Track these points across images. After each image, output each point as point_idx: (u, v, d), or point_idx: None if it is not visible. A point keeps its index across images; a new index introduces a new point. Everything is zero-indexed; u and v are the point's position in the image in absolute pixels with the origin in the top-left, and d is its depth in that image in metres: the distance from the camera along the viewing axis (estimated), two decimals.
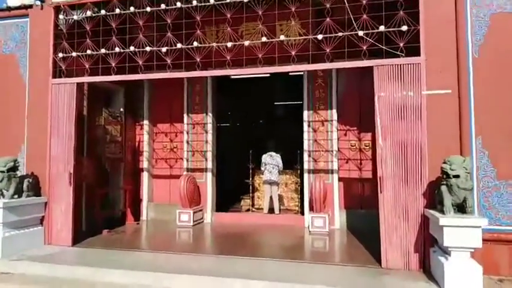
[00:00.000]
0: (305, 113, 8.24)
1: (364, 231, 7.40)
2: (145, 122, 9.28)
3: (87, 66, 6.58)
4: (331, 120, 8.07)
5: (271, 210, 8.97)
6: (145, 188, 9.18)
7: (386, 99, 5.22)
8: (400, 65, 5.16)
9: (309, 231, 7.48)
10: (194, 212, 8.23)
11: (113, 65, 6.40)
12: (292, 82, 9.99)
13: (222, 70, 6.15)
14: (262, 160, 9.11)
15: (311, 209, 7.79)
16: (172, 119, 9.38)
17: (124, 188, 8.59)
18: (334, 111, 8.06)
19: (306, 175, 8.23)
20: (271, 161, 8.99)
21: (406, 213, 5.11)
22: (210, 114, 8.92)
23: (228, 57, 6.01)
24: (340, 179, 8.09)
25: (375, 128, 5.34)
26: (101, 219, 7.65)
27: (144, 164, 9.23)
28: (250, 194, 10.01)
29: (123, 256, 5.87)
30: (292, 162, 9.77)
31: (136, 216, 8.92)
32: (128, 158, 8.96)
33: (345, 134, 8.20)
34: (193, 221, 8.16)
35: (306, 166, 8.23)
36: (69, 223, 6.45)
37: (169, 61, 6.17)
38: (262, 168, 9.10)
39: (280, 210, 9.00)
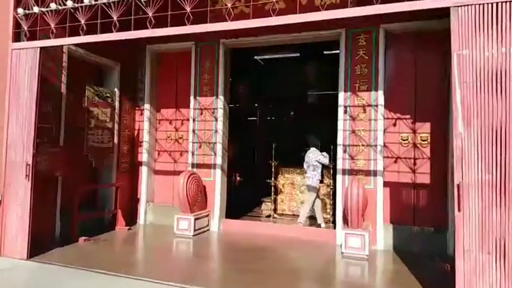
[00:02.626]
0: (341, 96, 6.29)
1: (419, 256, 5.45)
2: (146, 106, 7.71)
3: (52, 26, 5.06)
4: (376, 105, 6.07)
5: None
6: (144, 185, 7.62)
7: (472, 60, 3.22)
8: (498, 2, 3.14)
9: (342, 253, 5.57)
10: (196, 219, 6.55)
11: (82, 22, 4.83)
12: (327, 64, 8.11)
13: (227, 23, 4.34)
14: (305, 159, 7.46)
15: (345, 222, 5.87)
16: (178, 104, 7.76)
17: (115, 186, 7.06)
18: (380, 93, 6.04)
19: (339, 177, 6.30)
20: (308, 159, 7.30)
21: (502, 247, 3.11)
22: (220, 97, 7.18)
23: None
24: (385, 184, 6.08)
25: (449, 109, 3.41)
26: (78, 223, 6.12)
27: (144, 157, 7.67)
28: (272, 197, 8.26)
29: (79, 281, 4.28)
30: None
31: (132, 219, 7.39)
32: (123, 149, 7.44)
33: (394, 124, 6.17)
34: (195, 230, 6.48)
35: (339, 165, 6.30)
36: (26, 229, 4.99)
37: (151, 14, 4.49)
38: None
39: (305, 220, 7.15)
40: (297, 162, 9.03)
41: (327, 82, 10.24)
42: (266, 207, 8.66)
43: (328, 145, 7.65)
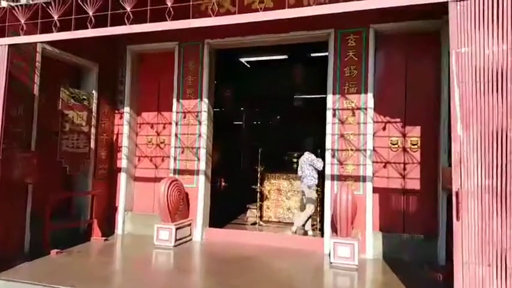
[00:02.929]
0: (329, 98, 6.08)
1: (409, 265, 5.27)
2: (126, 109, 7.34)
3: (22, 21, 4.70)
4: (365, 108, 5.87)
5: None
6: (123, 193, 7.23)
7: (471, 58, 3.02)
8: None
9: (330, 263, 5.32)
10: (177, 228, 6.21)
11: (55, 18, 4.49)
12: (315, 67, 7.90)
13: (211, 18, 4.04)
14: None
15: (334, 230, 5.64)
16: (160, 107, 7.42)
17: (91, 193, 6.66)
18: (370, 95, 5.86)
19: (327, 183, 6.06)
20: (302, 163, 7.20)
21: (504, 259, 2.90)
22: (205, 100, 6.89)
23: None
24: (374, 190, 5.88)
25: (440, 112, 3.20)
26: (51, 234, 5.71)
27: (123, 163, 7.28)
28: (258, 203, 7.99)
29: None
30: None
31: (109, 229, 7.00)
32: (101, 154, 7.05)
33: (384, 128, 5.99)
34: (176, 240, 6.13)
35: (328, 170, 6.07)
36: None
37: (128, 9, 4.18)
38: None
39: (297, 228, 6.94)
40: (283, 168, 8.81)
41: (314, 85, 10.05)
42: (251, 214, 8.38)
43: (316, 150, 7.47)
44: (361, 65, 5.94)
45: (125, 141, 7.29)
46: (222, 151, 12.17)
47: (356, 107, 5.94)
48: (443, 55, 5.54)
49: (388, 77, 6.00)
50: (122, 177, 7.26)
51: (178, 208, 6.37)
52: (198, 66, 6.95)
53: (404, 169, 5.90)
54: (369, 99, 5.86)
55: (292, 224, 7.21)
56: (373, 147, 5.90)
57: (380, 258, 5.70)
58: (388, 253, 5.71)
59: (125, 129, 7.31)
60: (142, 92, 7.57)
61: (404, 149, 5.92)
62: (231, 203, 9.12)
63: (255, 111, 12.82)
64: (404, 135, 5.93)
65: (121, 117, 7.39)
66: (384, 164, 5.96)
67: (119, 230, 7.18)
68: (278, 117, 13.17)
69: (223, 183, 13.12)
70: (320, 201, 7.50)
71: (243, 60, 10.08)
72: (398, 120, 5.96)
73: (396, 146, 5.94)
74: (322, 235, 6.30)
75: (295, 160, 8.69)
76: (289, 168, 8.66)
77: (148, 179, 7.37)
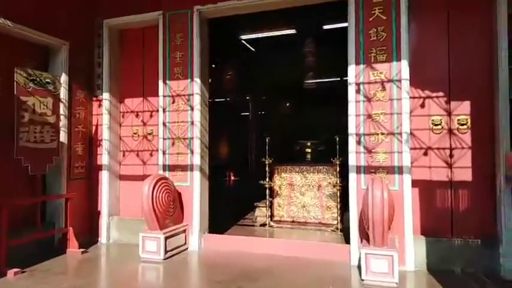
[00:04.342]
0: (351, 70, 4.79)
1: (465, 279, 4.09)
2: (105, 96, 6.16)
3: None
4: (399, 80, 4.58)
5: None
6: (106, 195, 6.08)
7: None
8: None
9: (361, 280, 4.09)
10: (168, 237, 5.04)
11: None
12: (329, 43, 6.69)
13: None
14: None
15: (364, 236, 4.41)
16: (146, 92, 6.24)
17: (64, 197, 5.52)
18: (404, 63, 4.55)
19: (352, 176, 4.80)
20: None
21: None
22: (196, 80, 5.66)
23: None
24: (414, 183, 4.61)
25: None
26: (10, 249, 4.59)
27: (104, 159, 6.12)
28: (267, 201, 6.80)
29: None
30: (327, 154, 6.62)
31: (91, 237, 5.91)
32: (76, 150, 5.91)
33: (422, 105, 4.71)
34: (166, 252, 4.97)
35: (352, 160, 4.80)
36: None
37: None
38: None
39: None
40: (295, 159, 7.61)
41: (328, 66, 8.83)
42: (261, 213, 7.21)
43: (333, 136, 6.27)
44: (391, 25, 4.62)
45: (105, 134, 6.12)
46: (229, 144, 11.12)
47: (386, 79, 4.64)
48: (501, 3, 4.22)
49: (427, 38, 4.69)
50: (104, 176, 6.11)
51: (169, 212, 5.20)
52: (186, 40, 5.71)
53: (451, 156, 4.62)
54: (403, 68, 4.56)
55: (309, 223, 6.02)
56: (410, 130, 4.62)
57: (424, 270, 4.47)
58: (434, 263, 4.48)
59: (105, 119, 6.14)
60: (125, 75, 6.38)
61: (450, 131, 4.63)
62: (238, 200, 8.07)
63: (262, 99, 11.63)
64: (449, 113, 4.64)
65: (100, 106, 6.22)
66: (424, 150, 4.68)
67: (103, 238, 6.06)
68: (287, 104, 11.94)
69: (232, 178, 12.10)
70: (341, 197, 6.33)
71: (244, 38, 8.80)
72: (441, 94, 4.67)
73: (439, 127, 4.66)
74: (344, 237, 5.08)
75: (308, 150, 7.48)
76: (302, 160, 7.44)
77: (135, 177, 6.21)
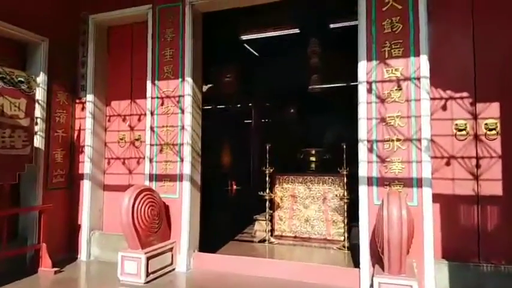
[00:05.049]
0: (361, 66, 4.18)
1: None
2: (89, 98, 5.60)
3: None
4: (417, 78, 3.96)
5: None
6: (87, 207, 5.48)
7: None
8: None
9: None
10: (150, 257, 4.41)
11: None
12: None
13: None
14: None
15: (377, 260, 3.75)
16: (134, 94, 5.68)
17: (38, 209, 4.93)
18: (424, 58, 3.93)
19: (363, 188, 4.16)
20: None
21: None
22: (188, 79, 5.08)
23: None
24: (435, 198, 3.96)
25: None
26: None
27: (86, 168, 5.54)
28: (267, 214, 6.19)
29: None
30: (333, 163, 6.00)
31: (70, 254, 5.31)
32: (55, 157, 5.34)
33: (444, 107, 4.07)
34: (148, 274, 4.34)
35: (362, 171, 4.16)
36: None
37: None
38: None
39: None
40: (298, 169, 6.99)
41: (335, 69, 8.25)
42: (260, 227, 6.58)
43: (339, 144, 5.67)
44: (407, 14, 4.03)
45: (88, 139, 5.55)
46: (232, 152, 10.62)
47: (403, 77, 4.02)
48: None
49: (449, 31, 4.08)
50: (86, 186, 5.52)
51: (153, 228, 4.58)
52: (178, 36, 5.15)
53: (478, 166, 3.96)
54: (423, 64, 3.94)
55: (313, 239, 5.40)
56: (431, 136, 3.99)
57: None
58: None
59: (88, 123, 5.57)
60: (112, 75, 5.84)
61: (476, 137, 3.98)
62: (237, 211, 7.68)
63: (265, 106, 11.09)
64: (475, 117, 4.00)
65: (83, 109, 5.66)
66: (446, 159, 4.03)
67: (82, 255, 5.45)
68: (292, 110, 11.36)
69: (234, 187, 11.56)
70: (348, 211, 5.71)
71: (245, 38, 8.25)
72: (465, 94, 4.03)
73: (464, 132, 4.01)
74: (353, 257, 4.43)
75: (313, 159, 6.86)
76: (306, 169, 6.82)
77: (121, 188, 5.57)
